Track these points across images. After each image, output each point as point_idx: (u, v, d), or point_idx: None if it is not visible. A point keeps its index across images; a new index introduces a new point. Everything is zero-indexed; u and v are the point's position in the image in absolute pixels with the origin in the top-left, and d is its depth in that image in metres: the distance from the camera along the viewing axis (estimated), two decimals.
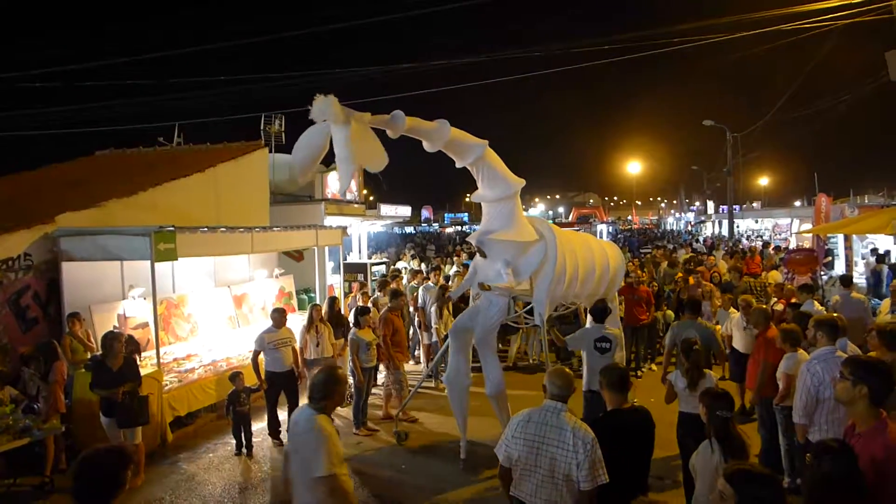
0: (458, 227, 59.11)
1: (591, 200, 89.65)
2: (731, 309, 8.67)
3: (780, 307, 8.76)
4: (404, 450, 7.07)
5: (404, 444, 7.20)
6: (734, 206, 32.82)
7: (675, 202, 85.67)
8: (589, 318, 7.11)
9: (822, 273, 14.14)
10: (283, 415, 7.58)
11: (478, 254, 6.42)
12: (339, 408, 8.52)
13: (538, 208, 79.50)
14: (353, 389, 7.87)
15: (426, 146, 5.61)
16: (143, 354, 7.89)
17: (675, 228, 63.61)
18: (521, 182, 6.02)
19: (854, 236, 15.51)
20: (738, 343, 7.88)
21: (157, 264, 7.34)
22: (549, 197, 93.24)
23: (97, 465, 2.64)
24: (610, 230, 46.19)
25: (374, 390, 8.57)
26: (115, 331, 6.98)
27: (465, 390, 6.58)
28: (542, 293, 6.34)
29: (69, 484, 2.77)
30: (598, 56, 14.77)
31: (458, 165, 5.87)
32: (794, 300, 8.68)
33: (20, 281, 7.60)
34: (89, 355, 7.43)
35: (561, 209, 79.63)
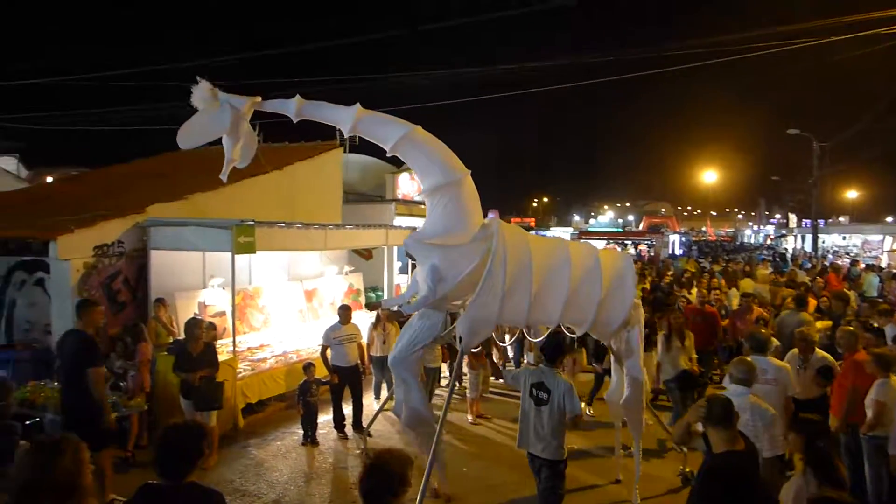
0: None
1: (663, 210, 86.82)
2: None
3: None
4: (467, 452, 7.05)
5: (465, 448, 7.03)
6: (819, 221, 31.09)
7: (753, 214, 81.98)
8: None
9: None
10: (347, 409, 7.74)
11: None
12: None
13: (607, 216, 77.82)
14: None
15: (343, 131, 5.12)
16: (219, 342, 8.24)
17: (752, 241, 60.83)
18: (464, 171, 5.10)
19: None
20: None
21: (236, 256, 7.69)
22: (618, 204, 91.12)
23: (179, 435, 2.87)
24: (683, 240, 44.85)
25: (437, 391, 8.62)
26: (198, 317, 7.33)
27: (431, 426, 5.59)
28: (467, 312, 5.18)
29: (149, 458, 2.98)
30: (676, 61, 14.26)
31: (388, 154, 5.22)
32: (873, 324, 7.18)
33: (113, 266, 8.10)
34: (171, 339, 7.84)
35: (631, 217, 77.67)
